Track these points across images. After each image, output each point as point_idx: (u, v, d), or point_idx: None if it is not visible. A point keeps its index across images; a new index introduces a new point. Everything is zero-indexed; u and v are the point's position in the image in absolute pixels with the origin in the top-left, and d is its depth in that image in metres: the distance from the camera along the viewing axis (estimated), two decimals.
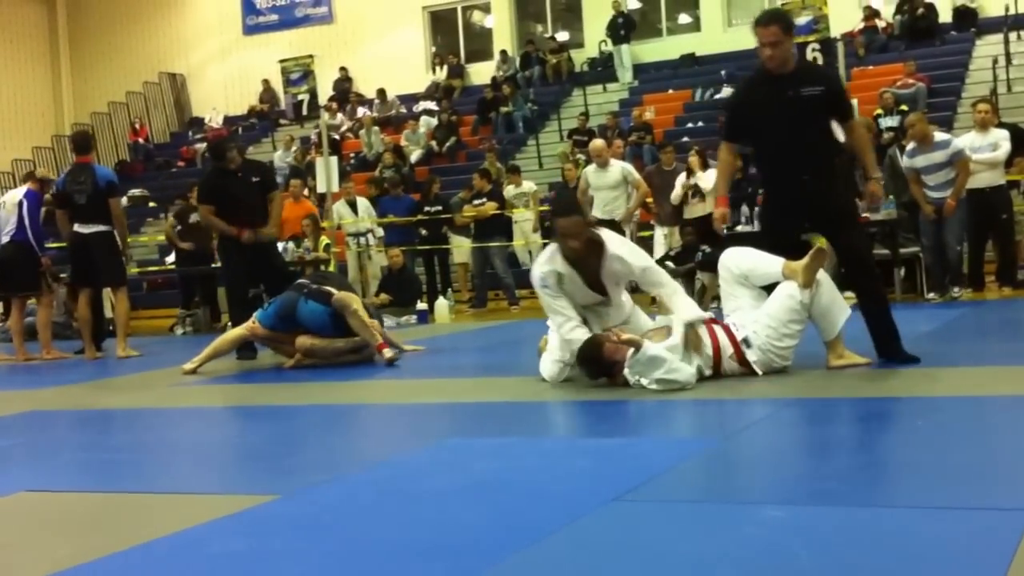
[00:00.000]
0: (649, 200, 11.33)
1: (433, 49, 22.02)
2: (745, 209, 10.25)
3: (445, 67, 21.15)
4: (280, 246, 9.91)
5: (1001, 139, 9.44)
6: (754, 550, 2.31)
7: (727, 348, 4.91)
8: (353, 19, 22.10)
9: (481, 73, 21.01)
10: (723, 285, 5.20)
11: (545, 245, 6.55)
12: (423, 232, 13.36)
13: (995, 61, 15.44)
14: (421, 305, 11.77)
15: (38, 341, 9.53)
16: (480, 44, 21.90)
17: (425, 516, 2.82)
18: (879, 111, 14.02)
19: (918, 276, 9.78)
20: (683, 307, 5.02)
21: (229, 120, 22.65)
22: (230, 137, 15.16)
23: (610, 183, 10.55)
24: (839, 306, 5.00)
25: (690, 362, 4.82)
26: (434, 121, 19.24)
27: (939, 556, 2.23)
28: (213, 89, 23.28)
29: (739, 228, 10.15)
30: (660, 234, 11.38)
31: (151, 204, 19.58)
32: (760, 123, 5.22)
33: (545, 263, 5.18)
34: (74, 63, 24.23)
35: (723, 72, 18.11)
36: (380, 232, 13.30)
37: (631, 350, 4.74)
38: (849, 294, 5.22)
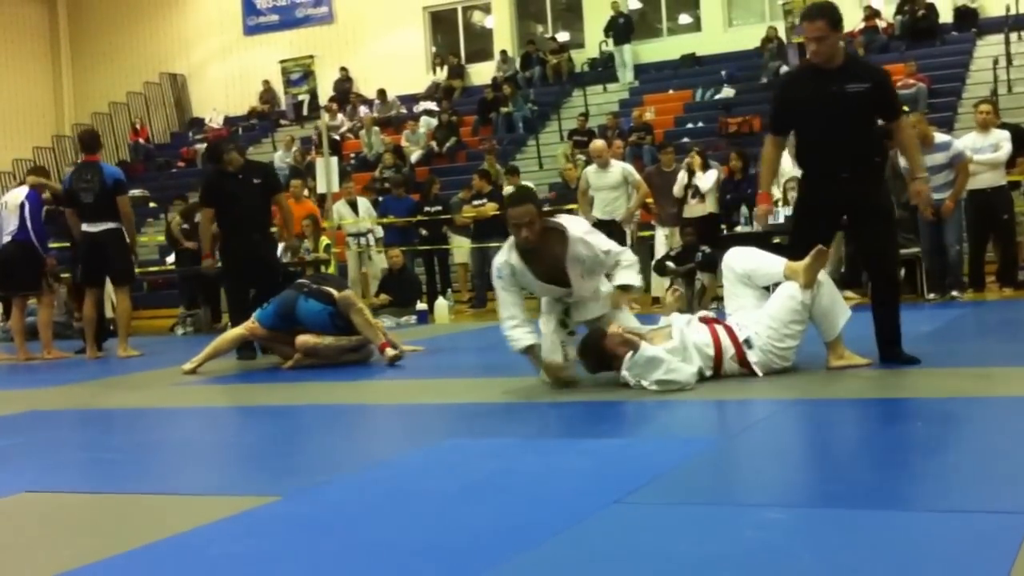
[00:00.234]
0: (649, 200, 11.33)
1: (433, 49, 22.02)
2: (744, 210, 10.23)
3: (445, 67, 21.15)
4: (280, 247, 9.90)
5: (1002, 140, 9.47)
6: (755, 553, 2.31)
7: (729, 349, 4.91)
8: (353, 19, 22.10)
9: (481, 73, 21.02)
10: (726, 285, 5.20)
11: None
12: (423, 232, 13.38)
13: (996, 62, 15.44)
14: (421, 305, 11.78)
15: (39, 340, 9.53)
16: (480, 44, 21.90)
17: (425, 517, 2.81)
18: None
19: (918, 276, 9.78)
20: (624, 276, 5.10)
21: (229, 120, 22.65)
22: (228, 139, 15.13)
23: (611, 183, 10.56)
24: (840, 307, 5.00)
25: (690, 362, 4.82)
26: (434, 121, 19.24)
27: (940, 559, 2.23)
28: (213, 89, 23.29)
29: (739, 228, 10.14)
30: (661, 234, 11.38)
31: (151, 204, 19.53)
32: (802, 117, 5.14)
33: (501, 254, 5.17)
34: (75, 63, 24.24)
35: (723, 72, 18.13)
36: (380, 232, 13.31)
37: (629, 352, 4.74)
38: (849, 294, 5.22)
